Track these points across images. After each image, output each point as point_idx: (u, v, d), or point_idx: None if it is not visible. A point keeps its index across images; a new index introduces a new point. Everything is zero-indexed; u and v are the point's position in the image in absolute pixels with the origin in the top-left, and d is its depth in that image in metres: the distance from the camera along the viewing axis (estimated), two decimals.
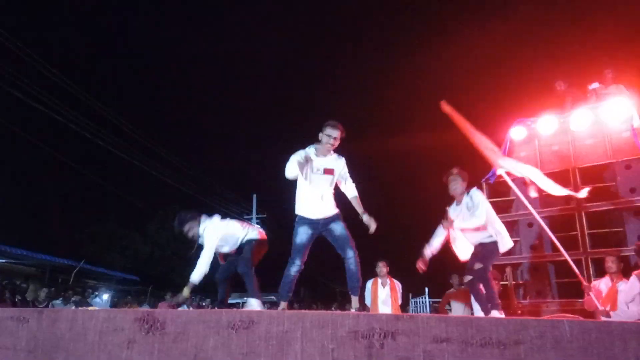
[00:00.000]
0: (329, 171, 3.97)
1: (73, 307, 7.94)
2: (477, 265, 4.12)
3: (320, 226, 3.93)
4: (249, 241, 4.49)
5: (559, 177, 5.98)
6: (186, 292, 4.11)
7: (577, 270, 4.87)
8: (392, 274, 6.54)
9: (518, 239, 5.98)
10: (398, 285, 6.43)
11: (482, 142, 4.76)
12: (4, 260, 13.09)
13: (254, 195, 19.73)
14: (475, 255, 4.23)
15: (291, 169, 3.92)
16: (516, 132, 6.58)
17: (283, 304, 3.96)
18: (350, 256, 3.88)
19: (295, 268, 3.92)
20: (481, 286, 4.20)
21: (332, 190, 4.01)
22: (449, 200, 4.48)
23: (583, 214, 5.64)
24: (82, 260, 14.00)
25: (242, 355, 2.49)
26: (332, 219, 3.95)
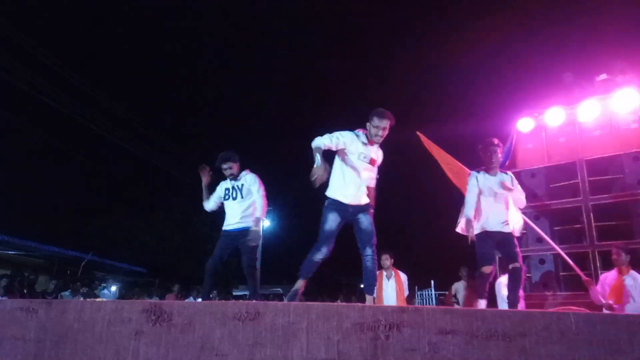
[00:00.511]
0: (373, 162, 3.88)
1: (81, 299, 8.02)
2: (515, 265, 4.15)
3: (349, 213, 3.81)
4: (259, 235, 4.58)
5: (566, 169, 5.97)
6: (254, 229, 4.51)
7: (572, 263, 4.89)
8: (400, 266, 6.54)
9: (524, 231, 5.96)
10: (403, 277, 6.42)
11: (455, 169, 4.80)
12: (13, 252, 13.23)
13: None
14: (499, 249, 4.27)
15: (324, 141, 3.66)
16: (523, 124, 6.54)
17: (301, 282, 3.85)
18: (368, 254, 3.78)
19: (319, 255, 3.78)
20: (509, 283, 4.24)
21: (369, 182, 3.92)
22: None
23: (590, 206, 5.61)
24: (90, 252, 14.12)
25: (249, 346, 2.51)
26: (363, 208, 3.85)
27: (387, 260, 6.37)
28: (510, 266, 4.19)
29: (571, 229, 5.77)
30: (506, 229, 4.25)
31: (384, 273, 6.35)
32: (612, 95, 6.01)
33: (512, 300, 4.20)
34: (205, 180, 4.87)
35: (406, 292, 6.46)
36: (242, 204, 4.65)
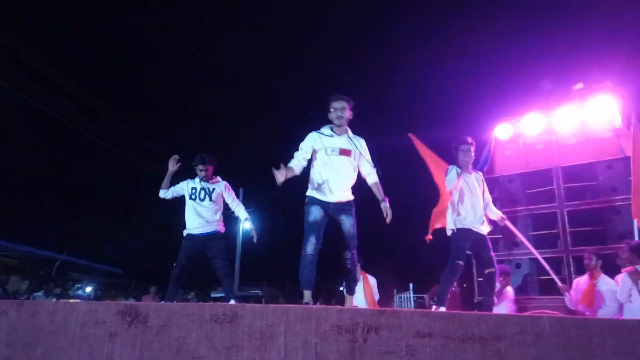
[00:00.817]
0: (345, 152, 3.68)
1: (54, 300, 7.83)
2: (491, 270, 4.18)
3: (330, 210, 3.63)
4: (223, 236, 4.61)
5: (542, 176, 6.08)
6: (248, 225, 4.74)
7: (548, 268, 4.99)
8: (380, 269, 6.56)
9: (501, 236, 6.05)
10: (372, 281, 6.41)
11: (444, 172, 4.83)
12: None
13: (241, 190, 19.59)
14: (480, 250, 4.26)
15: (295, 163, 3.69)
16: (501, 131, 6.64)
17: (307, 294, 3.50)
18: (347, 257, 3.65)
19: (311, 246, 3.52)
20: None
21: (349, 174, 3.71)
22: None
23: (565, 212, 5.73)
24: (64, 252, 13.83)
25: (225, 349, 2.48)
26: (344, 207, 3.66)
27: None
28: (486, 271, 4.22)
29: (546, 234, 5.88)
30: (482, 230, 4.27)
31: None
32: (588, 104, 6.14)
33: (488, 303, 4.24)
34: (172, 167, 4.82)
35: (376, 296, 6.45)
36: (211, 208, 4.65)
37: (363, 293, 6.21)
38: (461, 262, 4.17)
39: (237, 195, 5.10)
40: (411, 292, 13.27)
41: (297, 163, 3.72)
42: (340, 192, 3.67)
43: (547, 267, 5.05)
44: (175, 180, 4.88)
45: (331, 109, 3.73)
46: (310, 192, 3.75)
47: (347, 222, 3.66)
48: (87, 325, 2.75)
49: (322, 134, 3.76)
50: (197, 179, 4.75)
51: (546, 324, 2.22)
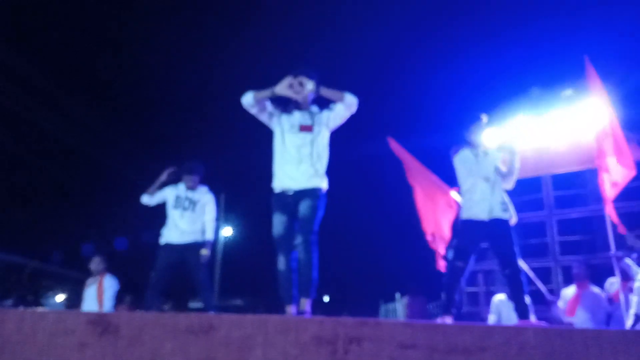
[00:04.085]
0: (306, 128, 3.18)
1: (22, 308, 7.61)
2: (510, 271, 3.47)
3: (292, 202, 3.16)
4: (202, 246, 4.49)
5: (532, 183, 6.06)
6: (205, 252, 4.47)
7: (541, 286, 4.95)
8: (366, 277, 6.49)
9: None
10: (108, 283, 5.73)
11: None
12: None
13: (223, 196, 19.27)
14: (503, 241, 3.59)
15: (248, 95, 3.21)
16: (489, 136, 6.61)
17: (288, 310, 3.16)
18: (299, 242, 3.09)
19: (280, 265, 3.16)
20: None
21: (315, 154, 3.18)
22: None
23: (554, 220, 5.72)
24: (36, 258, 13.46)
25: None
26: (307, 193, 3.13)
27: (99, 265, 5.73)
28: (506, 271, 3.54)
29: (536, 243, 5.87)
30: (498, 217, 3.59)
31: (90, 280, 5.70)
32: (578, 110, 6.13)
33: (522, 311, 3.40)
34: (164, 177, 4.71)
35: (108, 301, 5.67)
36: (193, 218, 4.57)
37: (95, 298, 5.48)
38: (460, 264, 3.58)
39: (219, 202, 5.01)
40: (397, 302, 13.28)
41: (254, 95, 3.25)
42: (301, 177, 3.17)
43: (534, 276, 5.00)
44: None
45: (291, 77, 3.26)
46: (273, 185, 3.30)
47: (304, 204, 3.14)
48: (55, 335, 2.63)
49: (287, 107, 3.34)
50: (181, 187, 4.67)
51: (531, 335, 2.19)
